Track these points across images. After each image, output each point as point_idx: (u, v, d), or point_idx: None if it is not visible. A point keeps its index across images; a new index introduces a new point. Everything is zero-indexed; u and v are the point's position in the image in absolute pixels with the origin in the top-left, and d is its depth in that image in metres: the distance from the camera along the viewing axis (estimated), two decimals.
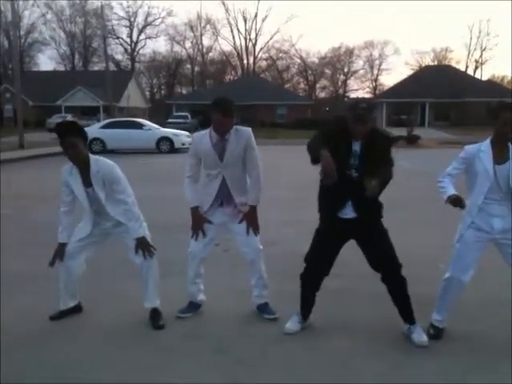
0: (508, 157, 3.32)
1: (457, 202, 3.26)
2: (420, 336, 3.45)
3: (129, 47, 68.45)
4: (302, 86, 70.62)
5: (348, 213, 3.38)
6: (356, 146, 3.35)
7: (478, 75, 60.22)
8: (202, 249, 3.87)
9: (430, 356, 3.30)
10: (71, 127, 3.64)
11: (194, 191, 3.83)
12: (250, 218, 3.78)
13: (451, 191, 3.32)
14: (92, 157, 3.68)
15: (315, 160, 3.28)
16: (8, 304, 4.10)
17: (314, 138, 3.41)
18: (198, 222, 3.81)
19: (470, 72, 61.15)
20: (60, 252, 3.73)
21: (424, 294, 3.74)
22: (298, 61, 68.96)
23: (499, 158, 3.32)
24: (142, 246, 3.66)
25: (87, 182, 3.65)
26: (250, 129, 3.83)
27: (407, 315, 3.52)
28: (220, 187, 3.77)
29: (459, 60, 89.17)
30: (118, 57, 68.95)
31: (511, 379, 2.97)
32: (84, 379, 3.04)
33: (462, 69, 60.08)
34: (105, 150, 19.90)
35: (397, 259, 3.44)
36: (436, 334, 3.55)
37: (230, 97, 3.74)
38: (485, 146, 3.37)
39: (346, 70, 68.30)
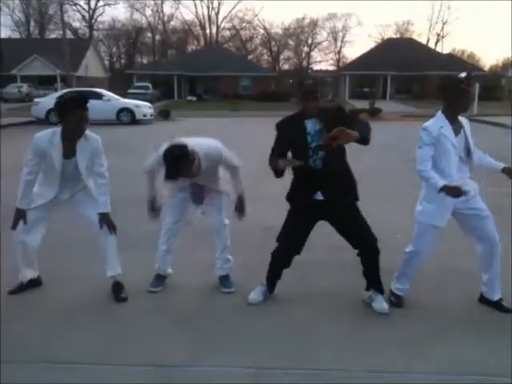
0: (461, 126, 3.41)
1: (456, 192, 3.17)
2: (381, 304, 3.56)
3: (87, 14, 66.10)
4: (265, 57, 70.03)
5: (319, 195, 3.46)
6: (314, 126, 3.38)
7: (438, 48, 60.98)
8: (176, 223, 3.91)
9: (389, 323, 3.41)
10: (85, 101, 3.56)
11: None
12: (241, 207, 3.92)
13: (441, 180, 3.24)
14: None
15: (276, 173, 3.41)
16: None
17: (271, 152, 3.49)
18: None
19: (431, 45, 61.87)
20: (22, 216, 3.63)
21: (383, 264, 3.83)
22: (262, 31, 68.24)
23: (456, 130, 3.39)
24: (107, 221, 3.66)
25: (69, 153, 3.59)
26: (220, 151, 3.63)
27: (376, 285, 3.61)
28: (190, 190, 3.77)
29: (421, 33, 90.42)
30: (76, 24, 66.61)
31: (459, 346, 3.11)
32: (46, 353, 3.01)
33: (424, 42, 60.71)
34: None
35: (371, 235, 3.49)
36: (397, 301, 3.66)
37: (180, 149, 3.29)
38: (442, 122, 3.38)
39: (309, 41, 67.99)
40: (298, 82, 3.45)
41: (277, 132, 3.54)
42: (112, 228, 3.68)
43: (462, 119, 3.47)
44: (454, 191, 3.18)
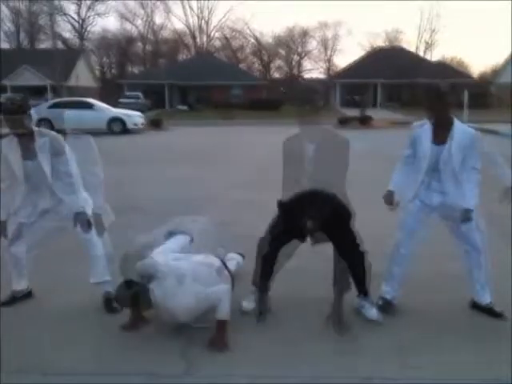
0: (450, 137, 3.39)
1: (388, 202, 3.65)
2: (371, 310, 3.57)
3: (77, 24, 66.04)
4: (256, 65, 70.15)
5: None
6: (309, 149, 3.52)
7: (428, 56, 61.47)
8: None
9: (383, 330, 3.42)
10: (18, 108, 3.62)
11: None
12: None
13: (391, 186, 3.66)
14: (35, 129, 3.62)
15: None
16: None
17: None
18: None
19: (421, 53, 62.33)
20: (3, 229, 3.63)
21: (374, 269, 3.85)
22: (252, 40, 68.45)
23: (440, 138, 3.41)
24: (80, 221, 3.58)
25: (29, 154, 3.55)
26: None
27: (360, 287, 3.61)
28: None
29: (410, 41, 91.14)
30: (67, 34, 66.47)
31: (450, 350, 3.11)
32: (44, 363, 2.99)
33: (413, 50, 61.17)
34: (53, 131, 19.24)
35: (355, 252, 3.51)
36: (386, 305, 3.67)
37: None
38: (426, 128, 3.48)
39: (300, 50, 68.24)
40: (304, 90, 3.57)
41: (283, 152, 3.64)
42: (85, 228, 3.58)
43: (466, 132, 3.40)
44: (386, 201, 3.67)
